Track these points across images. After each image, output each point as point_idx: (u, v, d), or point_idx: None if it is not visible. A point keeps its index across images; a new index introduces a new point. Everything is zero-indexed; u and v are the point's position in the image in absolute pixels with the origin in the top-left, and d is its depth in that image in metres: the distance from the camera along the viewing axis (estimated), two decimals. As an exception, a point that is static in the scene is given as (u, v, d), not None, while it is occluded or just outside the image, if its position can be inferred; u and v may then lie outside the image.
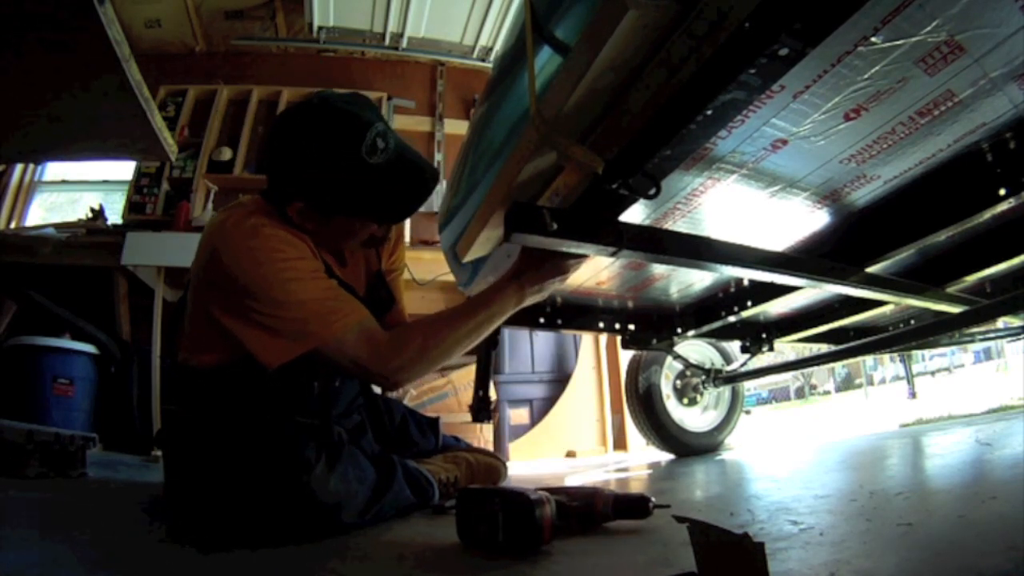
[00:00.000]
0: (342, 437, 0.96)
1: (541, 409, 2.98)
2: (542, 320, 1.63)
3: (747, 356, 1.90)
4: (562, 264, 0.97)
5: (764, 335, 1.84)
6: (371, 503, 0.92)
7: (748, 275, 1.20)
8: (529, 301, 1.00)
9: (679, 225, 1.14)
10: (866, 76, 0.73)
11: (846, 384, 12.09)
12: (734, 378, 1.96)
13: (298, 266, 0.92)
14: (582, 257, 0.99)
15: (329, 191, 0.92)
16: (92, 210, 3.03)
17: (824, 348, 1.96)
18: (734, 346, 2.00)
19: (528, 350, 3.08)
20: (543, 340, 3.10)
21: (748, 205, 1.06)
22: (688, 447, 1.98)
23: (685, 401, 2.05)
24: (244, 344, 0.89)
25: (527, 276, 0.98)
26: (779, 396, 13.98)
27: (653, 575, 0.55)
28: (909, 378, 3.01)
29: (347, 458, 0.93)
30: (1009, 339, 2.06)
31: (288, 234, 0.94)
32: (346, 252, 1.11)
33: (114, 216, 3.21)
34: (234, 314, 0.90)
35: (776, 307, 1.65)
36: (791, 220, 1.12)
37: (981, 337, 2.02)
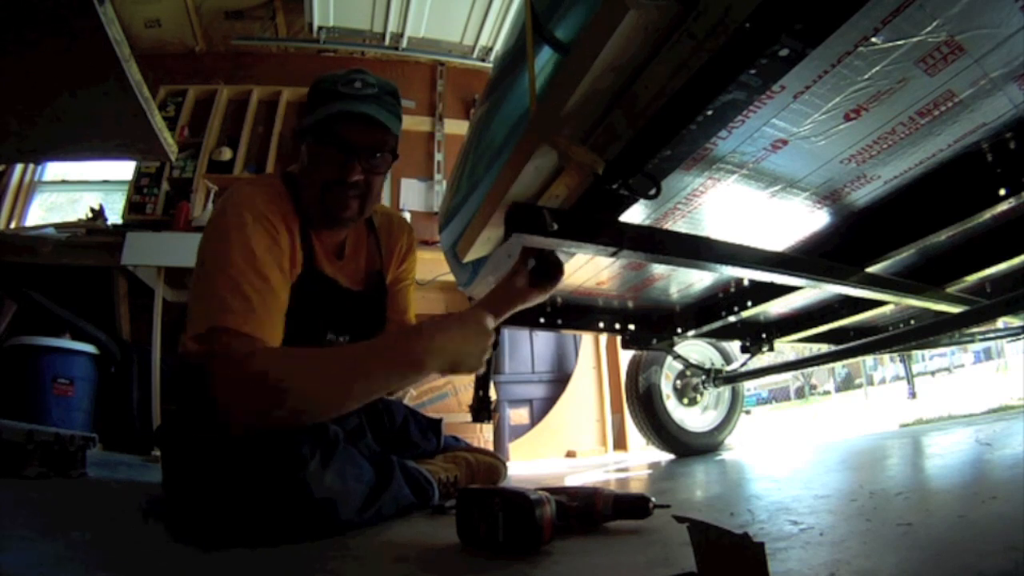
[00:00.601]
0: (338, 435, 0.96)
1: (541, 409, 2.98)
2: (542, 320, 1.63)
3: (747, 356, 1.90)
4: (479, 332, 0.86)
5: (764, 335, 1.84)
6: (369, 501, 0.92)
7: (748, 275, 1.20)
8: (432, 371, 0.86)
9: (679, 225, 1.14)
10: (866, 76, 0.73)
11: (846, 384, 12.08)
12: (734, 378, 1.96)
13: (252, 244, 0.88)
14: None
15: (308, 114, 1.03)
16: (92, 210, 3.04)
17: (824, 348, 1.96)
18: (734, 346, 2.00)
19: (528, 350, 3.08)
20: (543, 340, 3.10)
21: (748, 205, 1.07)
22: (688, 447, 1.98)
23: (685, 401, 2.05)
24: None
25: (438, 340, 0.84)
26: (779, 396, 13.96)
27: (653, 575, 0.55)
28: (909, 378, 3.01)
29: (343, 456, 0.92)
30: (1009, 339, 2.06)
31: (273, 211, 0.95)
32: (347, 246, 1.12)
33: (114, 216, 3.21)
34: (194, 280, 0.93)
35: (776, 307, 1.65)
36: (791, 220, 1.13)
37: (981, 337, 2.02)
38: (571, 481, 1.65)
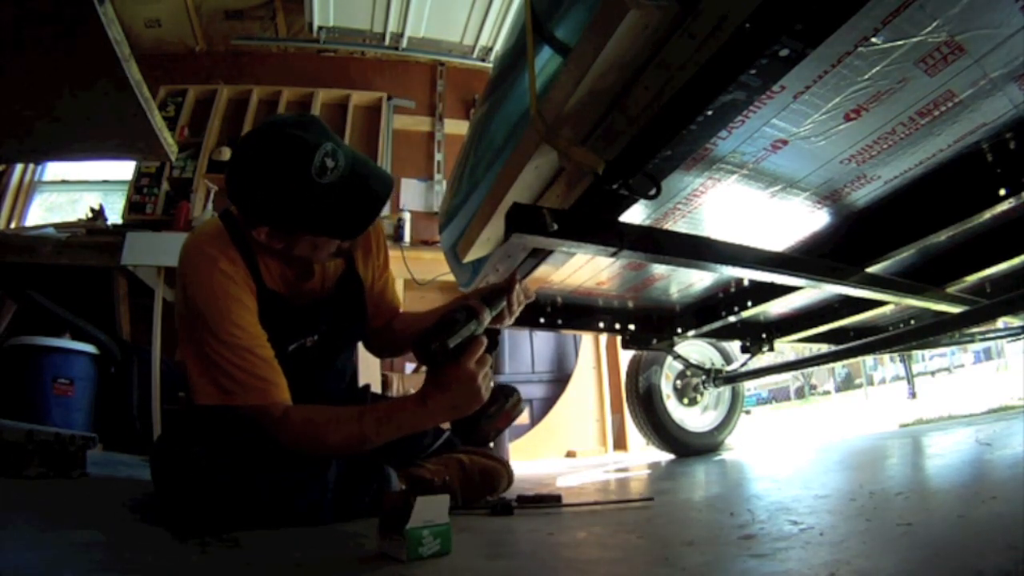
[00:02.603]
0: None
1: (541, 409, 2.99)
2: (542, 320, 1.63)
3: (747, 356, 1.90)
4: (473, 387, 0.93)
5: (764, 335, 1.84)
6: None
7: (748, 275, 1.20)
8: (439, 421, 0.99)
9: (679, 225, 1.14)
10: (866, 77, 0.73)
11: (846, 384, 12.08)
12: (734, 378, 1.96)
13: (234, 316, 0.96)
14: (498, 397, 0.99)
15: (286, 213, 0.95)
16: (92, 210, 3.03)
17: (824, 348, 1.96)
18: (734, 346, 2.00)
19: (528, 350, 3.08)
20: (543, 340, 3.10)
21: (748, 205, 1.07)
22: (688, 447, 1.98)
23: (685, 401, 2.05)
24: (187, 368, 0.97)
25: (433, 398, 0.95)
26: (779, 396, 13.96)
27: (653, 574, 0.55)
28: (909, 378, 3.02)
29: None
30: (1009, 339, 2.06)
31: (228, 264, 0.98)
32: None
33: (114, 216, 3.21)
34: (188, 342, 0.97)
35: (776, 307, 1.65)
36: (791, 220, 1.13)
37: (981, 337, 2.02)
38: (568, 481, 1.65)
